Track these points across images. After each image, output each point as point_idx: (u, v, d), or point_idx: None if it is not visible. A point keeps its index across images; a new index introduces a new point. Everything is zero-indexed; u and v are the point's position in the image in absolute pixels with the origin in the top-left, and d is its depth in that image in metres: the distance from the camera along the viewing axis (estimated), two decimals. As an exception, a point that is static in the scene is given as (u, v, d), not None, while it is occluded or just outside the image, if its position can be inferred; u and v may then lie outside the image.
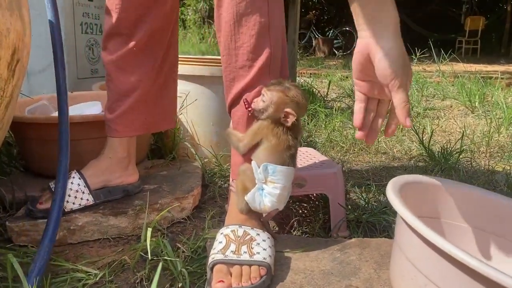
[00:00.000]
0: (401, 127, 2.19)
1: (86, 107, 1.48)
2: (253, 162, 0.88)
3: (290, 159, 0.87)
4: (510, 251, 0.80)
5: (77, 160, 1.26)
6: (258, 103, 0.87)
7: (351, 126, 2.19)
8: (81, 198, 1.07)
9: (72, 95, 1.64)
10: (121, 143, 1.14)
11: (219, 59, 1.48)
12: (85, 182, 1.08)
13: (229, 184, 1.33)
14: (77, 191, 1.06)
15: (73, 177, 1.08)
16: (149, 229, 0.84)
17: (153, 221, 0.94)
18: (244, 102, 0.89)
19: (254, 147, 0.89)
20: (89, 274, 0.89)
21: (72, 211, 1.06)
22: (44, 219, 0.92)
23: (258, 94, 0.89)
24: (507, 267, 0.77)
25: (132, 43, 1.09)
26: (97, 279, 0.88)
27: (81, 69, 2.18)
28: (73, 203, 1.06)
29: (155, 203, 1.13)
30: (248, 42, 0.88)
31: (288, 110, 0.85)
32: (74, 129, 1.24)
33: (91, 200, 1.08)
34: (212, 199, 1.32)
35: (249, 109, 0.89)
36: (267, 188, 0.86)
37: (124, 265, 0.94)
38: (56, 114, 1.45)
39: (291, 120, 0.85)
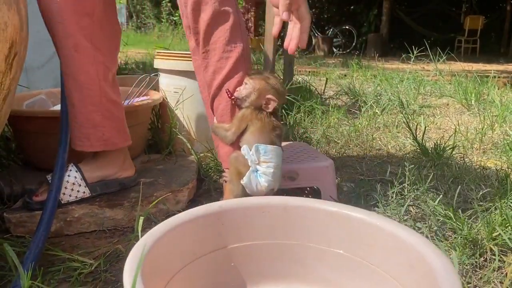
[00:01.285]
0: (396, 123, 2.21)
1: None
2: (244, 146, 0.92)
3: (277, 139, 0.92)
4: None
5: (74, 152, 1.28)
6: (241, 91, 0.93)
7: (347, 123, 2.21)
8: (78, 191, 1.09)
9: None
10: None
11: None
12: (82, 175, 1.10)
13: (221, 177, 1.36)
14: (73, 184, 1.08)
15: (70, 170, 1.10)
16: (141, 218, 0.86)
17: (145, 211, 0.96)
18: (227, 92, 0.95)
19: (241, 134, 0.94)
20: (85, 264, 0.91)
21: (69, 203, 1.08)
22: (41, 211, 0.94)
23: (239, 83, 0.95)
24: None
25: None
26: (92, 268, 0.90)
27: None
28: (70, 195, 1.08)
29: (151, 196, 1.15)
30: (223, 36, 0.95)
31: (269, 96, 0.91)
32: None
33: (87, 193, 1.11)
34: (207, 192, 1.34)
35: (232, 97, 0.94)
36: (261, 168, 0.90)
37: (119, 255, 0.96)
38: (54, 108, 1.47)
39: (272, 105, 0.91)
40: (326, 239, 0.78)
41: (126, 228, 1.11)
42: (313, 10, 11.35)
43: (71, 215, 1.07)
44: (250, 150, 0.90)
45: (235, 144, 0.95)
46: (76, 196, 1.09)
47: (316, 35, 10.54)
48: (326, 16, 12.59)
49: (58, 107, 1.47)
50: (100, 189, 1.14)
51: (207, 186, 1.38)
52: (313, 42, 10.48)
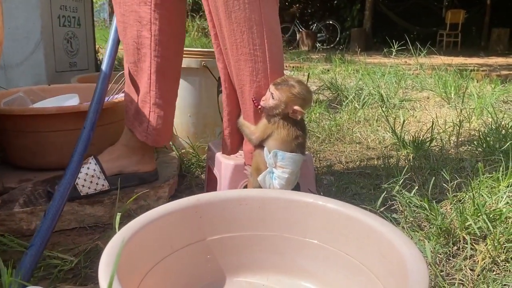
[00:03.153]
0: (376, 117, 2.24)
1: (64, 99, 1.50)
2: (265, 148, 0.95)
3: (298, 147, 0.94)
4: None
5: (54, 151, 1.28)
6: (268, 102, 0.93)
7: (328, 118, 2.23)
8: (97, 183, 1.10)
9: (49, 87, 1.65)
10: None
11: (195, 51, 1.51)
12: (101, 167, 1.11)
13: (203, 173, 1.37)
14: (92, 176, 1.09)
15: (90, 163, 1.11)
16: (119, 214, 0.87)
17: (123, 207, 0.96)
18: (253, 100, 0.96)
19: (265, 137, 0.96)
20: (65, 261, 0.91)
21: (89, 195, 1.09)
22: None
23: (259, 88, 0.96)
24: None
25: None
26: (73, 265, 0.91)
27: (59, 62, 2.18)
28: (89, 188, 1.09)
29: (131, 192, 1.15)
30: (240, 38, 0.94)
31: (296, 108, 0.91)
32: (50, 121, 1.26)
33: (106, 186, 1.12)
34: (189, 188, 1.35)
35: (259, 107, 0.95)
36: (277, 172, 0.93)
37: (100, 251, 0.96)
38: (33, 106, 1.46)
39: (299, 115, 0.93)
40: (303, 230, 0.80)
41: (107, 224, 1.11)
42: (297, 5, 11.35)
43: (51, 213, 1.07)
44: (270, 153, 0.93)
45: (259, 144, 0.98)
46: (95, 189, 1.10)
47: (300, 30, 10.57)
48: (310, 11, 12.62)
49: (37, 105, 1.46)
50: (120, 182, 1.12)
51: (188, 182, 1.39)
52: (297, 37, 10.51)
